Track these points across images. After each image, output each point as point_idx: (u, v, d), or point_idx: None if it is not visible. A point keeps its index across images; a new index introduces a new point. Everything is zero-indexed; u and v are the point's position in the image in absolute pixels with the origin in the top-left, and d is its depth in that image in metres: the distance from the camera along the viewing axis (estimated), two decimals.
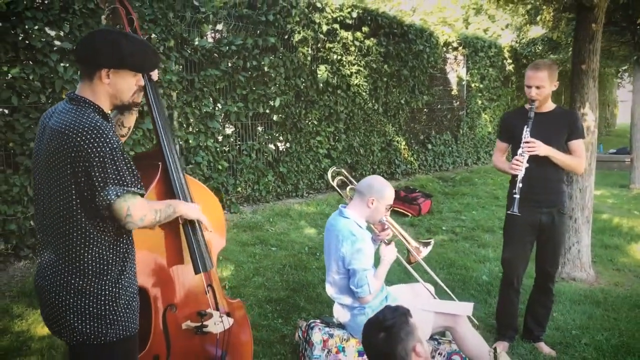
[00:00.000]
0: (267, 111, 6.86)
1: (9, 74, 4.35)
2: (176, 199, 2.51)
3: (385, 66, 8.84)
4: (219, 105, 6.29)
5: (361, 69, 8.30)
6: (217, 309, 2.71)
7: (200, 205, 2.61)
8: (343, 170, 3.90)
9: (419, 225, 7.06)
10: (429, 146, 10.45)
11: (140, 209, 2.07)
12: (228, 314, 2.79)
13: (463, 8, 18.58)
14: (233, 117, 6.44)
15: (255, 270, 4.98)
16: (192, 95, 5.92)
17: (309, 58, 7.31)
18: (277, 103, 6.79)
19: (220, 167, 6.24)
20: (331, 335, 3.47)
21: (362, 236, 3.42)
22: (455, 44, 11.10)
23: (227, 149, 6.49)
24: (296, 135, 7.31)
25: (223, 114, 6.36)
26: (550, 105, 3.76)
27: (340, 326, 3.56)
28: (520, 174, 3.59)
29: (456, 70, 11.46)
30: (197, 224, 2.56)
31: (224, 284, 4.65)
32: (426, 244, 3.73)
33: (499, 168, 3.95)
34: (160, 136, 2.54)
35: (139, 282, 2.33)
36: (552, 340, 4.04)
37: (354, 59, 8.15)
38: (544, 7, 6.60)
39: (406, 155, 9.77)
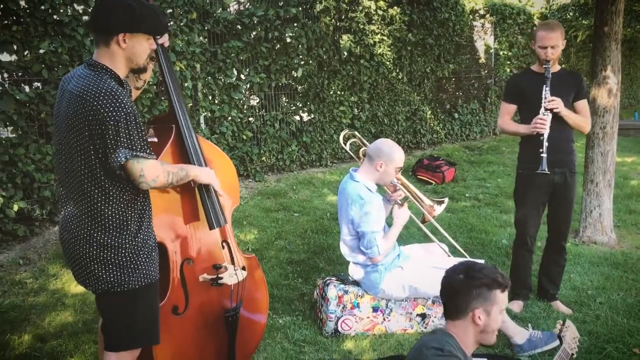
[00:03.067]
0: (290, 82, 6.96)
1: (40, 49, 4.55)
2: (189, 159, 2.66)
3: (410, 35, 8.80)
4: (242, 76, 6.41)
5: (385, 38, 8.30)
6: (233, 263, 2.87)
7: (213, 165, 2.76)
8: (356, 132, 3.99)
9: (442, 193, 7.10)
10: (456, 115, 10.40)
11: (152, 171, 2.22)
12: (243, 268, 2.95)
13: None
14: (256, 88, 6.57)
15: (278, 234, 5.15)
16: (215, 67, 6.06)
17: (331, 28, 7.36)
18: (299, 73, 6.88)
19: (244, 137, 6.39)
20: (346, 292, 3.61)
21: (370, 199, 3.52)
22: (482, 12, 10.93)
23: (251, 119, 6.63)
24: (319, 105, 7.40)
25: (246, 85, 6.49)
26: (557, 67, 3.79)
27: (355, 283, 3.70)
28: (546, 132, 3.61)
29: (484, 38, 11.30)
30: (210, 185, 2.70)
31: (247, 247, 4.84)
32: (440, 202, 3.81)
33: (510, 131, 3.94)
34: (173, 99, 2.68)
35: (158, 237, 2.50)
36: (567, 299, 4.10)
37: (377, 28, 8.15)
38: None
39: (432, 124, 9.76)
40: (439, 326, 3.70)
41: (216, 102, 6.08)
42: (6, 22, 4.39)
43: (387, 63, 8.43)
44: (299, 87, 7.08)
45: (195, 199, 2.72)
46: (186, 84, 5.66)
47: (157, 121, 2.94)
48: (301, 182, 6.59)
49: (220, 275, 2.74)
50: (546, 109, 3.63)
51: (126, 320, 2.33)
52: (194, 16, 5.69)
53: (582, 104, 3.82)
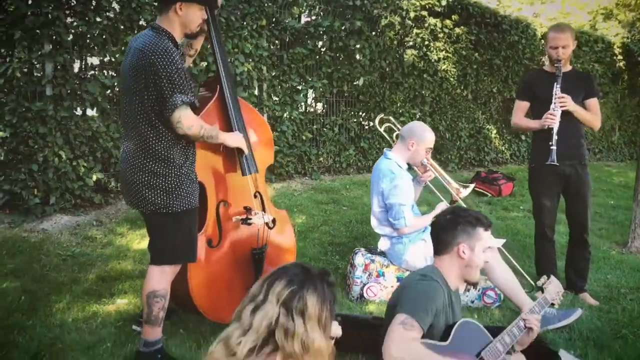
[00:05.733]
0: (352, 90, 7.37)
1: (126, 42, 5.22)
2: (229, 115, 3.10)
3: (476, 54, 9.02)
4: (305, 81, 6.90)
5: (450, 55, 8.57)
6: (264, 210, 3.26)
7: (250, 124, 3.20)
8: (391, 118, 4.32)
9: (496, 204, 7.19)
10: (523, 137, 10.40)
11: (189, 120, 2.68)
12: (274, 220, 3.33)
13: (590, 14, 17.91)
14: (318, 93, 7.04)
15: (324, 221, 5.51)
16: (280, 70, 6.58)
17: (395, 42, 7.74)
18: (361, 82, 7.28)
19: (304, 137, 6.84)
20: (372, 261, 3.91)
21: (400, 174, 3.83)
22: None
23: (311, 122, 7.09)
24: (379, 114, 7.74)
25: (308, 89, 6.97)
26: (568, 67, 4.05)
27: (382, 254, 3.99)
28: (556, 126, 3.84)
29: None
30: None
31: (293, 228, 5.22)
32: (466, 186, 4.05)
33: (523, 126, 4.21)
34: (218, 62, 3.13)
35: (199, 177, 2.94)
36: (597, 294, 4.17)
37: (442, 45, 8.44)
38: None
39: (497, 144, 9.84)
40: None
41: (279, 102, 6.58)
42: (100, 19, 5.08)
43: (451, 79, 8.68)
44: (360, 96, 7.47)
45: (234, 153, 3.15)
46: (252, 84, 6.20)
47: (205, 84, 3.43)
48: (355, 182, 6.93)
49: (249, 216, 3.13)
50: (556, 105, 3.85)
51: (169, 239, 2.77)
52: (264, 23, 6.26)
53: (592, 102, 4.06)
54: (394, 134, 4.20)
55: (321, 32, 6.89)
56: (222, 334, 1.76)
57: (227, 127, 3.09)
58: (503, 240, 3.84)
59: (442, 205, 3.83)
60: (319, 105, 7.42)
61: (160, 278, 2.76)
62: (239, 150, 3.09)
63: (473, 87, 9.17)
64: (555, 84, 3.87)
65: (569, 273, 4.20)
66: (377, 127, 4.32)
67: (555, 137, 3.83)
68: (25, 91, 4.70)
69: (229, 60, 5.86)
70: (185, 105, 2.63)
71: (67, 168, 4.83)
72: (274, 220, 3.32)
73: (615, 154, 12.73)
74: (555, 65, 3.92)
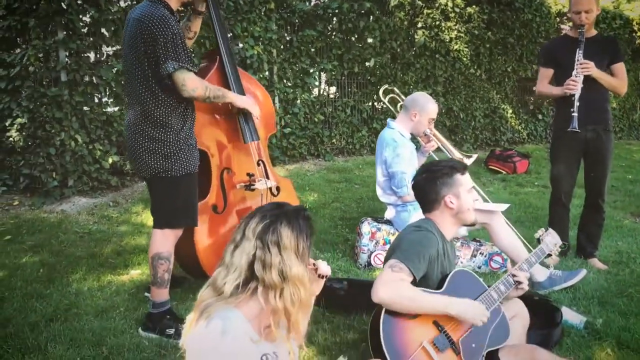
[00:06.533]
0: (363, 71, 7.41)
1: None
2: (229, 84, 3.19)
3: (489, 33, 8.96)
4: (315, 63, 6.96)
5: (462, 35, 8.54)
6: (267, 177, 3.35)
7: (251, 94, 3.28)
8: (395, 89, 4.37)
9: (511, 181, 7.17)
10: (540, 116, 10.31)
11: (193, 82, 2.77)
12: (277, 188, 3.42)
13: None
14: (328, 75, 7.10)
15: (336, 198, 5.58)
16: (290, 53, 6.66)
17: (405, 23, 7.75)
18: (371, 63, 7.32)
19: (316, 119, 6.92)
20: (379, 229, 3.97)
21: (402, 142, 3.88)
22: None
23: (323, 104, 7.16)
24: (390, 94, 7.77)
25: (319, 72, 7.04)
26: (592, 32, 3.97)
27: (388, 222, 4.05)
28: (577, 92, 3.80)
29: None
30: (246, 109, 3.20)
31: (304, 205, 5.31)
32: (469, 156, 4.08)
33: (547, 93, 4.15)
34: (217, 32, 3.22)
35: (202, 144, 3.04)
36: (606, 258, 4.16)
37: (454, 25, 8.42)
38: None
39: (513, 123, 9.78)
40: (466, 268, 3.95)
41: (290, 85, 6.67)
42: (111, 7, 5.21)
43: (464, 59, 8.65)
44: (370, 77, 7.51)
45: (237, 122, 3.24)
46: (263, 67, 6.29)
47: (205, 55, 3.52)
48: (368, 163, 6.97)
49: (252, 183, 3.22)
50: (578, 72, 3.82)
51: (169, 202, 2.87)
52: (272, 6, 6.34)
53: (618, 67, 3.97)
54: (398, 105, 4.25)
55: (330, 14, 6.95)
56: (210, 278, 1.84)
57: None
58: (506, 205, 3.89)
59: None
60: (331, 88, 7.48)
61: (163, 241, 2.86)
62: (245, 116, 3.17)
63: (487, 66, 9.11)
64: (577, 49, 3.81)
65: (580, 238, 4.20)
66: (381, 97, 4.37)
67: (577, 103, 3.77)
68: (41, 77, 4.86)
69: (238, 44, 5.97)
70: (184, 69, 2.72)
71: (83, 151, 4.98)
72: (277, 188, 3.40)
73: (637, 132, 12.52)
74: (579, 30, 3.84)
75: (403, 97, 4.22)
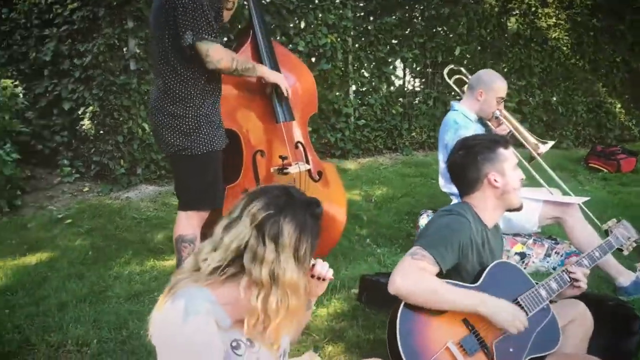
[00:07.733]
0: (447, 60, 6.96)
1: None
2: (261, 59, 2.98)
3: (594, 20, 8.15)
4: (394, 52, 6.62)
5: (562, 22, 7.83)
6: (307, 162, 3.10)
7: (288, 71, 3.05)
8: (462, 69, 3.98)
9: (613, 180, 6.43)
10: None
11: (217, 53, 2.59)
12: (319, 173, 3.16)
13: None
14: (408, 65, 6.73)
15: (406, 193, 5.23)
16: (367, 41, 6.37)
17: (496, 9, 7.21)
18: (457, 52, 6.86)
19: (394, 111, 6.57)
20: None
21: (466, 125, 3.47)
22: None
23: (403, 95, 6.79)
24: None
25: (399, 60, 6.69)
26: None
27: None
28: None
29: None
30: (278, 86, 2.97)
31: (370, 199, 5.01)
32: (545, 142, 3.60)
33: None
34: (251, 9, 3.02)
35: (231, 125, 2.87)
36: None
37: (553, 11, 7.73)
38: None
39: (623, 119, 8.83)
40: (540, 267, 3.49)
41: (366, 75, 6.38)
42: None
43: (564, 48, 7.92)
44: (455, 67, 7.02)
45: (269, 99, 3.02)
46: (337, 56, 6.04)
47: (238, 33, 3.34)
48: None
49: (285, 166, 2.99)
50: None
51: (192, 182, 2.72)
52: None
53: None
54: (465, 86, 3.84)
55: (412, 1, 6.59)
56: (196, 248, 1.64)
57: None
58: (585, 198, 3.38)
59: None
60: (411, 78, 7.09)
61: (187, 223, 2.71)
62: (278, 94, 2.96)
63: (591, 56, 8.28)
64: None
65: None
66: (446, 78, 3.99)
67: None
68: (110, 66, 4.94)
69: (311, 33, 5.79)
70: (205, 40, 2.55)
71: (150, 140, 5.00)
72: (320, 172, 3.15)
73: None
74: None
75: (470, 77, 3.81)
